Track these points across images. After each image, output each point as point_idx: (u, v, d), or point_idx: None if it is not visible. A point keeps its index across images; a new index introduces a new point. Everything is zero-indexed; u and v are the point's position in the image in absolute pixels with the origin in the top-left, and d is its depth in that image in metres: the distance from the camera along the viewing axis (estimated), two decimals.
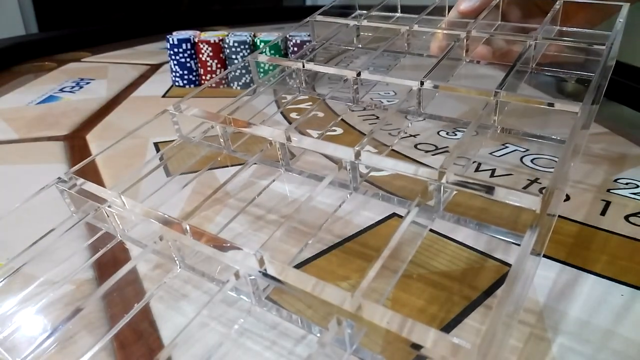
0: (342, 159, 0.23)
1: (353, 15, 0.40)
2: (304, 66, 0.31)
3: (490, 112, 0.25)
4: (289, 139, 0.24)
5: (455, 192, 0.21)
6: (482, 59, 0.34)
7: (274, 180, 0.31)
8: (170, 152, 0.28)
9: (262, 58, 0.34)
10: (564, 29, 0.34)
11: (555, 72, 0.32)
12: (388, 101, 0.51)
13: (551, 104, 0.24)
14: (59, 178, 0.23)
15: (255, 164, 0.27)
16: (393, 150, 0.39)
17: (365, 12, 0.39)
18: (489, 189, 0.19)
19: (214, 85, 0.57)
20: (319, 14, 0.37)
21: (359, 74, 0.29)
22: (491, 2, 0.35)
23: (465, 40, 0.32)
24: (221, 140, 0.28)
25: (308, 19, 0.37)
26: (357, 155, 0.22)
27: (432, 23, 0.37)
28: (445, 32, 0.35)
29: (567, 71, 0.32)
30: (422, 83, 0.27)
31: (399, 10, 0.41)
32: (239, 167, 0.25)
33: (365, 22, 0.36)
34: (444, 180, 0.20)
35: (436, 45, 0.37)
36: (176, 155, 0.29)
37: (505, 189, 0.18)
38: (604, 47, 0.28)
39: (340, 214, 0.29)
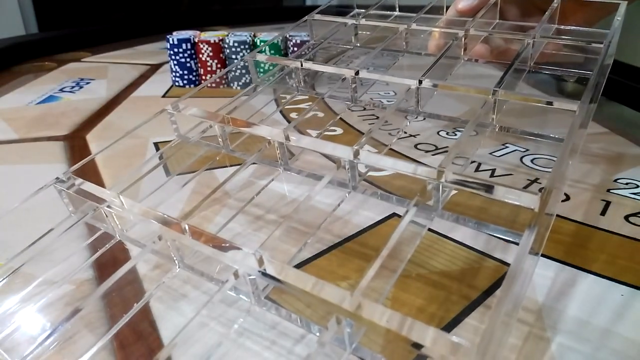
0: (340, 158, 0.23)
1: (351, 14, 0.40)
2: (302, 65, 0.31)
3: (488, 111, 0.25)
4: (287, 138, 0.24)
5: (454, 191, 0.21)
6: (481, 57, 0.34)
7: (272, 180, 0.31)
8: (169, 152, 0.28)
9: (260, 57, 0.34)
10: (562, 27, 0.34)
11: (554, 70, 0.32)
12: (388, 101, 0.51)
13: (549, 103, 0.24)
14: (57, 178, 0.23)
15: (254, 163, 0.27)
16: (393, 150, 0.39)
17: (363, 10, 0.39)
18: (488, 188, 0.19)
19: (213, 85, 0.57)
20: (317, 13, 0.37)
21: (357, 73, 0.29)
22: (489, 0, 0.35)
23: (463, 39, 0.32)
24: (220, 139, 0.28)
25: (306, 17, 0.37)
26: (356, 154, 0.22)
27: (430, 22, 0.37)
28: (443, 30, 0.35)
29: (565, 69, 0.32)
30: (420, 82, 0.27)
31: (397, 9, 0.41)
32: (238, 166, 0.25)
33: (363, 21, 0.36)
34: (442, 179, 0.20)
35: (434, 43, 0.37)
36: (175, 155, 0.29)
37: (504, 188, 0.18)
38: (601, 46, 0.28)
39: (339, 214, 0.29)
